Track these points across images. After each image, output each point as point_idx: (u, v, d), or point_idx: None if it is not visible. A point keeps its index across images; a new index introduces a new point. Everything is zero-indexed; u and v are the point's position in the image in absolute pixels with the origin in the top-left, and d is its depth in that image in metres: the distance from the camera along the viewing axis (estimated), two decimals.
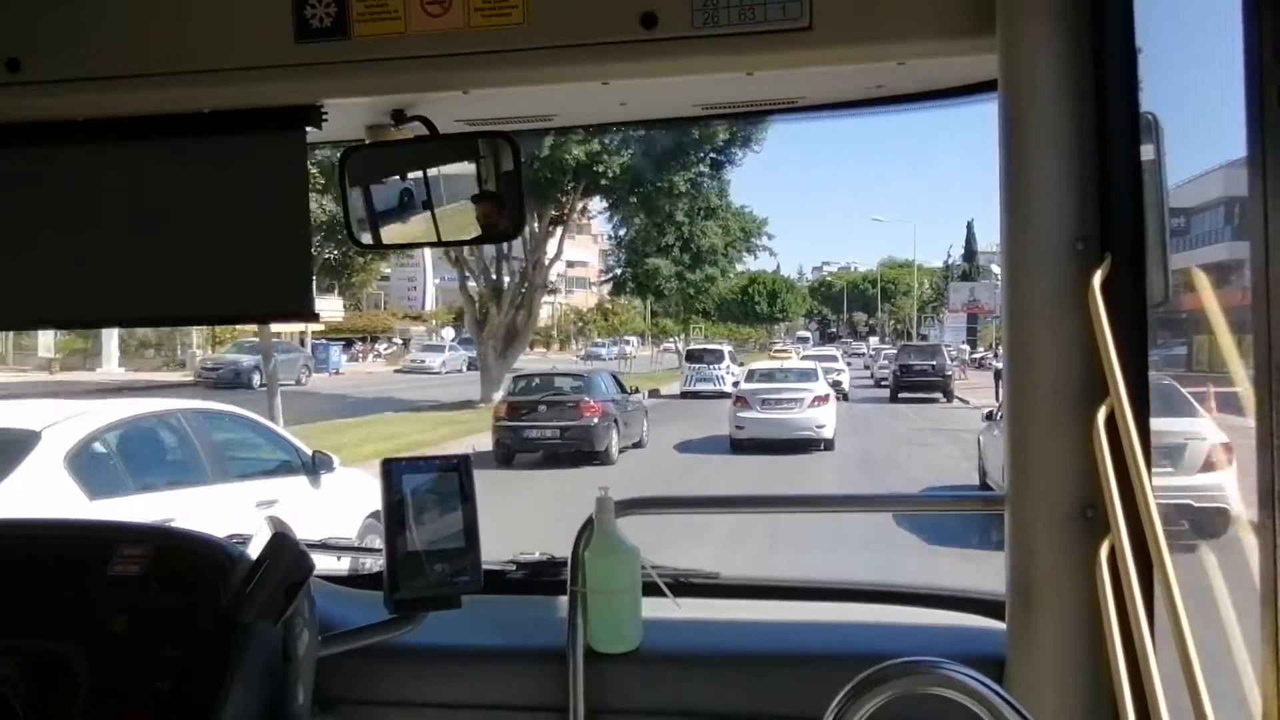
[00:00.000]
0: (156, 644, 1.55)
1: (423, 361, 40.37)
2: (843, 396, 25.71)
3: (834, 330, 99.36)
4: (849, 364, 38.17)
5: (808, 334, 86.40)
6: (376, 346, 52.99)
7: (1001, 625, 1.54)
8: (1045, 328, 1.36)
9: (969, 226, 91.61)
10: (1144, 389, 1.32)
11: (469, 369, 37.54)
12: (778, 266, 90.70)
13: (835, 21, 1.43)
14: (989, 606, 1.83)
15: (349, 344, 47.08)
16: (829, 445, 18.32)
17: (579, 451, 16.60)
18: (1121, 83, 1.33)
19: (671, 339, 55.27)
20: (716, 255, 40.85)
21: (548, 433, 16.83)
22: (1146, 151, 1.35)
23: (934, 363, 31.17)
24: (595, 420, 16.93)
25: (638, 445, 18.70)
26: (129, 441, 6.79)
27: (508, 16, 1.48)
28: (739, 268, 48.84)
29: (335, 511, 6.95)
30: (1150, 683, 1.13)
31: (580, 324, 64.86)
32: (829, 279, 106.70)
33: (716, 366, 30.68)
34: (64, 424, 6.26)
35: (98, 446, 6.38)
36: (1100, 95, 1.33)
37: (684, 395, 29.37)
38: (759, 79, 1.56)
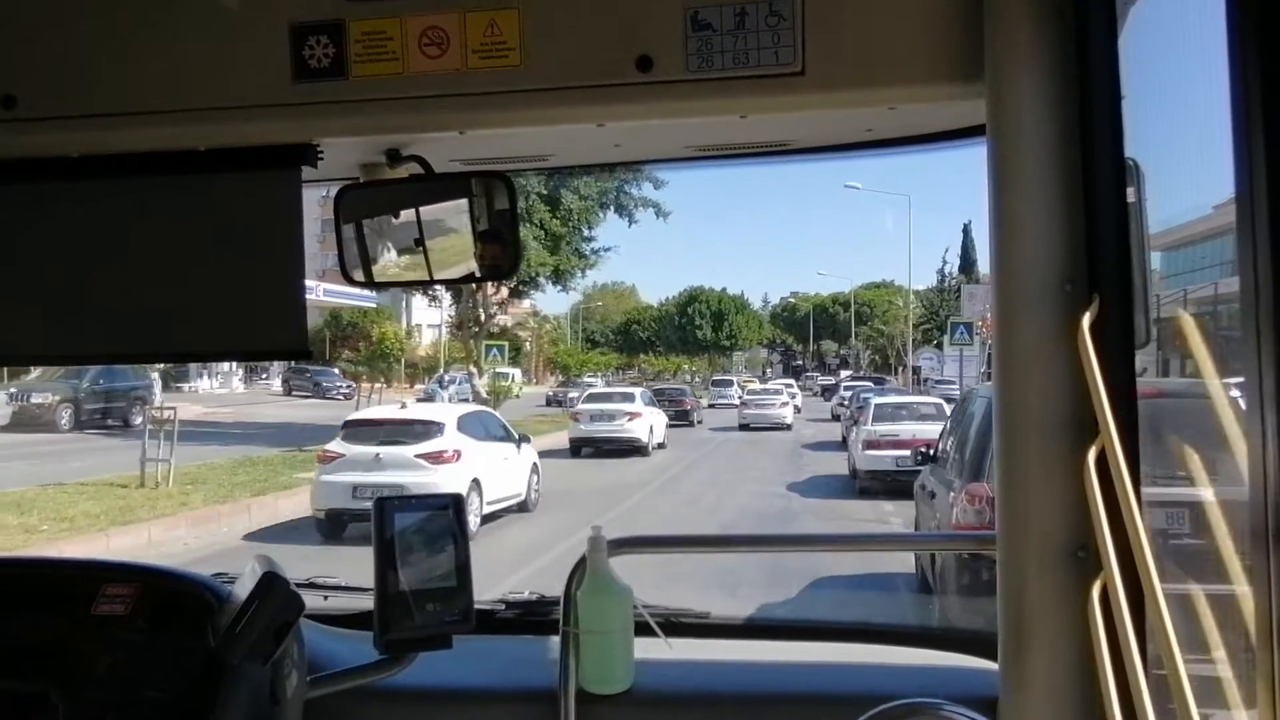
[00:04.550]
0: (141, 685, 1.52)
1: None
2: (796, 410, 38.43)
3: (799, 363, 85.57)
4: (804, 391, 54.53)
5: (725, 377, 68.01)
6: None
7: (994, 665, 1.54)
8: (1035, 367, 1.37)
9: (965, 231, 72.63)
10: (1134, 428, 1.33)
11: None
12: (741, 292, 79.25)
13: (827, 67, 1.45)
14: (981, 646, 1.83)
15: None
16: (789, 428, 33.33)
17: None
18: (1106, 129, 1.36)
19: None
20: (531, 207, 26.78)
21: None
22: (1129, 195, 1.38)
23: None
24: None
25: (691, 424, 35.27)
26: (467, 420, 15.97)
27: (505, 59, 1.49)
28: (597, 239, 32.02)
29: (524, 464, 16.63)
30: None
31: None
32: (794, 302, 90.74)
33: (729, 389, 49.56)
34: (450, 412, 16.96)
35: (464, 422, 15.68)
36: (1086, 141, 1.36)
37: (711, 406, 45.45)
38: (752, 122, 1.58)
